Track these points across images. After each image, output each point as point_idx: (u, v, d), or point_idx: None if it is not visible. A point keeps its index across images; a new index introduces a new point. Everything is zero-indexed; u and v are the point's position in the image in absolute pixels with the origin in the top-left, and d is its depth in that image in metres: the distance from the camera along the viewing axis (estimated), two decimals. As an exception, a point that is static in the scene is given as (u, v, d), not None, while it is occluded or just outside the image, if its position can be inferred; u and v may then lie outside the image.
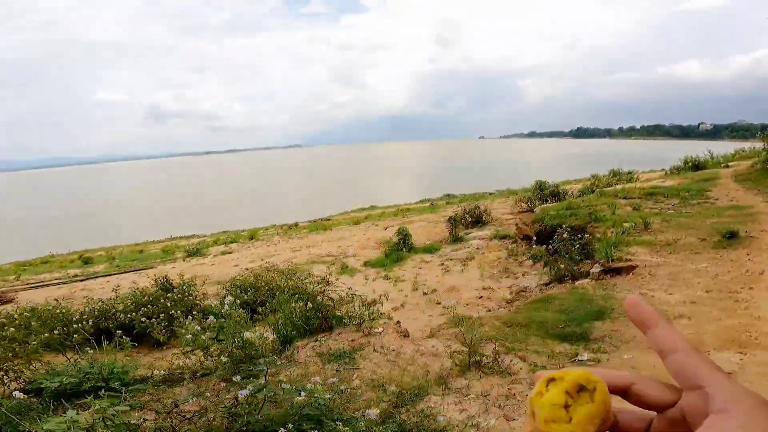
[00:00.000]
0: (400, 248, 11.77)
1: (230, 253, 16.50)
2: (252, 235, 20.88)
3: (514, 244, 10.58)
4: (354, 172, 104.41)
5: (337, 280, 9.31)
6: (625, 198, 11.29)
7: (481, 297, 7.44)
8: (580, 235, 7.95)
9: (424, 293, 8.24)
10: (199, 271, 12.68)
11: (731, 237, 5.59)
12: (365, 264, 11.22)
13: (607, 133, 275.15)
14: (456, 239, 12.52)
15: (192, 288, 7.75)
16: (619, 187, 14.98)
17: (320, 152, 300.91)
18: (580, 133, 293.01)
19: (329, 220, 30.42)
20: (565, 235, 8.02)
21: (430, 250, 11.73)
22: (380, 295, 4.96)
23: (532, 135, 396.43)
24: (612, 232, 7.18)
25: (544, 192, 16.27)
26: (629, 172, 27.93)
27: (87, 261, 18.61)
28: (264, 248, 16.41)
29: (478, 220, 14.70)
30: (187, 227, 40.65)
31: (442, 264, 10.11)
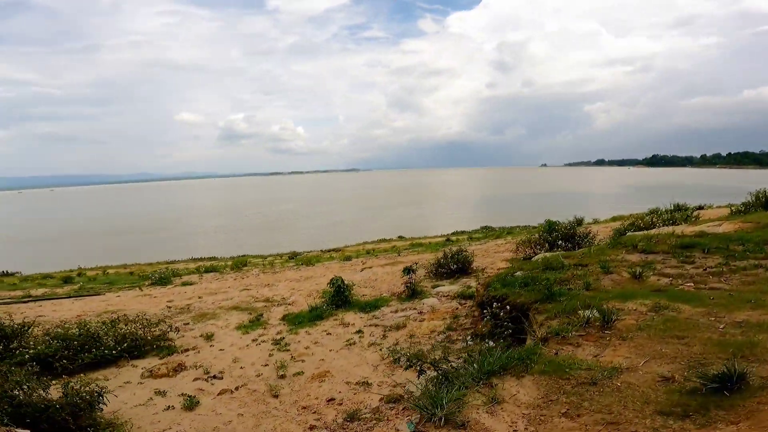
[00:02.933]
0: (334, 302, 9.38)
1: (190, 284, 15.01)
2: (237, 264, 19.42)
3: (472, 311, 7.82)
4: (400, 198, 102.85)
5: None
6: (644, 252, 8.14)
7: (332, 401, 4.94)
8: (512, 320, 5.19)
9: (281, 376, 5.88)
10: (117, 307, 11.17)
11: (731, 385, 2.60)
12: (284, 318, 9.00)
13: (688, 161, 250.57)
14: (413, 294, 9.90)
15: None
16: (653, 231, 11.53)
17: (374, 177, 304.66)
18: (655, 161, 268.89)
19: (340, 251, 28.64)
20: (489, 318, 5.32)
21: (371, 306, 9.24)
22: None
23: (600, 163, 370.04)
24: (552, 324, 4.37)
25: (553, 235, 13.10)
26: (694, 207, 23.15)
27: (67, 280, 18.11)
28: (218, 283, 14.72)
29: (461, 269, 11.95)
30: (222, 247, 41.15)
31: (358, 332, 7.61)
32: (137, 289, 14.59)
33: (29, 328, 6.89)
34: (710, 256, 7.30)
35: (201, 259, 30.70)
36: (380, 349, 6.54)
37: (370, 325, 7.97)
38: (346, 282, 11.20)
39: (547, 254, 11.49)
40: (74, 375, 6.11)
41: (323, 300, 9.71)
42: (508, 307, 5.68)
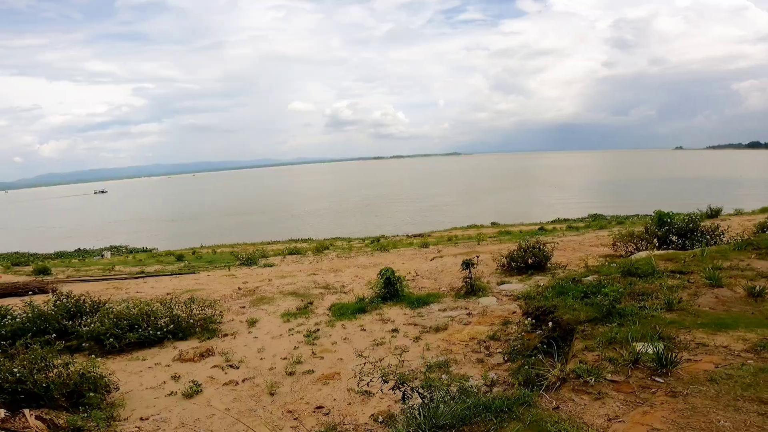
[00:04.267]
0: (382, 295, 8.82)
1: (270, 266, 15.84)
2: (318, 248, 20.07)
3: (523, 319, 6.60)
4: (501, 182, 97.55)
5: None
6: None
7: (321, 408, 4.41)
8: (553, 340, 4.01)
9: (290, 373, 5.57)
10: (200, 286, 12.16)
11: None
12: (331, 308, 8.74)
13: None
14: (471, 291, 8.85)
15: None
16: None
17: (476, 160, 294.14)
18: None
19: (425, 236, 27.98)
20: (529, 337, 4.18)
21: (421, 302, 8.47)
22: None
23: (754, 146, 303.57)
24: (587, 357, 3.13)
25: (663, 230, 10.66)
26: None
27: (180, 258, 20.63)
28: (294, 266, 15.22)
29: (537, 264, 10.45)
30: (318, 229, 43.85)
31: (394, 330, 6.95)
32: (226, 268, 15.84)
33: (104, 305, 7.61)
34: None
35: (296, 241, 32.83)
36: (402, 353, 5.81)
37: (410, 324, 7.25)
38: (401, 272, 10.59)
39: (644, 254, 9.39)
40: (121, 353, 6.62)
41: (374, 291, 9.21)
42: (551, 323, 4.47)
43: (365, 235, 33.69)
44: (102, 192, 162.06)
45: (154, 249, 34.22)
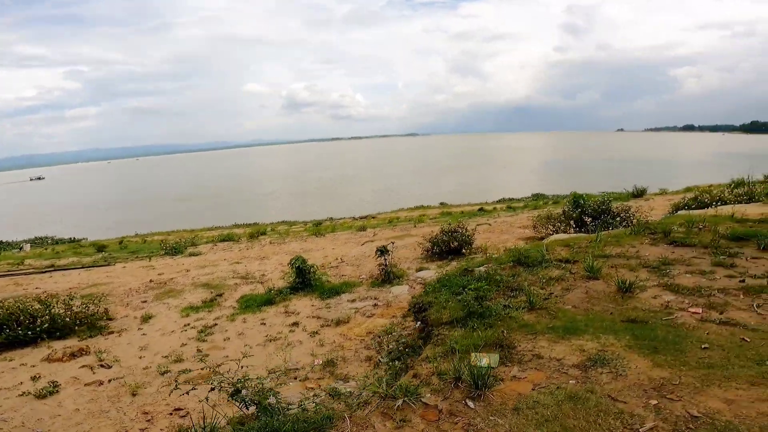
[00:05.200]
0: (295, 285, 8.49)
1: (195, 255, 15.03)
2: (253, 234, 19.31)
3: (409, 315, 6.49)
4: (454, 163, 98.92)
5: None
6: (675, 243, 6.21)
7: (179, 410, 4.16)
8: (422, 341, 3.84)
9: (163, 372, 5.21)
10: (110, 279, 11.28)
11: None
12: (240, 299, 8.31)
13: None
14: (387, 279, 8.69)
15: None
16: (708, 212, 9.11)
17: (433, 141, 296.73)
18: (755, 128, 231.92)
19: (372, 218, 27.83)
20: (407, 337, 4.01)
21: (334, 291, 8.23)
22: None
23: (688, 128, 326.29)
24: (422, 371, 2.93)
25: (578, 211, 10.97)
26: None
27: (101, 248, 19.18)
28: (221, 254, 14.53)
29: (457, 249, 10.44)
30: (268, 213, 42.48)
31: (294, 324, 6.69)
32: (147, 259, 14.87)
33: None
34: (764, 257, 5.24)
35: (239, 226, 31.67)
36: (292, 350, 5.56)
37: (313, 317, 6.98)
38: (329, 258, 10.30)
39: (558, 236, 9.62)
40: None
41: (287, 282, 8.86)
42: (419, 323, 4.32)
43: (314, 218, 33.08)
44: (39, 179, 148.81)
45: (84, 239, 31.87)
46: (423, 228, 16.97)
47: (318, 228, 19.77)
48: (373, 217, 27.98)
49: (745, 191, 11.76)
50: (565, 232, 10.98)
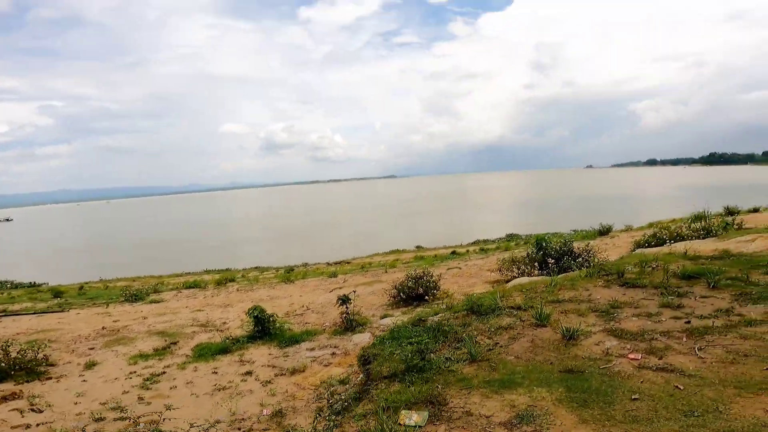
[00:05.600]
0: (253, 334, 8.21)
1: (156, 302, 14.43)
2: (221, 280, 18.76)
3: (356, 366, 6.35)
4: (433, 205, 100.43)
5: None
6: (627, 285, 6.38)
7: None
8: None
9: (98, 419, 4.84)
10: (60, 326, 10.65)
11: None
12: (195, 348, 7.93)
13: (750, 159, 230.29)
14: (349, 327, 8.52)
15: None
16: (663, 250, 9.46)
17: (411, 183, 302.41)
18: (713, 160, 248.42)
19: (347, 263, 27.63)
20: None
21: (294, 340, 7.98)
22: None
23: (651, 163, 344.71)
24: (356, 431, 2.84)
25: (540, 254, 11.20)
26: (748, 210, 19.88)
27: (57, 294, 18.23)
28: (184, 302, 14.02)
29: (421, 295, 10.36)
30: (241, 258, 41.48)
31: (248, 373, 6.46)
32: (105, 305, 14.19)
33: None
34: (713, 295, 5.41)
35: (210, 272, 30.80)
36: (239, 400, 5.30)
37: (269, 366, 6.73)
38: (295, 306, 10.06)
39: (520, 280, 9.77)
40: None
41: (246, 330, 8.56)
42: (362, 375, 4.23)
43: (289, 263, 32.55)
44: (7, 220, 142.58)
45: (44, 284, 30.26)
46: (394, 273, 16.90)
47: (288, 275, 19.40)
48: (348, 263, 27.78)
49: (702, 226, 12.16)
50: (529, 274, 11.15)
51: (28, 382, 6.40)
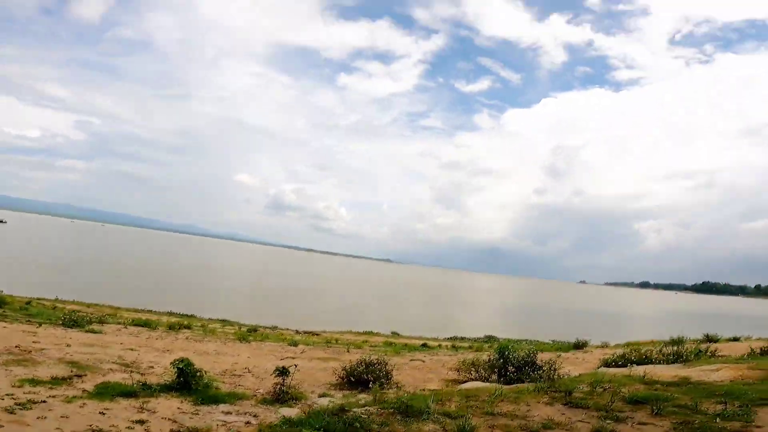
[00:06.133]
0: (173, 385, 7.38)
1: (94, 332, 13.42)
2: (175, 325, 17.66)
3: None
4: (422, 295, 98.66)
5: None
6: (571, 404, 5.86)
7: None
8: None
9: None
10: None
11: None
12: (101, 386, 7.06)
13: (741, 291, 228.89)
14: (279, 399, 7.70)
15: None
16: (622, 372, 8.79)
17: (407, 270, 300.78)
18: (705, 288, 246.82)
19: (316, 334, 26.27)
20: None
21: (213, 399, 7.13)
22: None
23: (644, 285, 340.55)
24: None
25: (500, 362, 10.51)
26: (726, 339, 19.17)
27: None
28: (121, 337, 13.03)
29: (366, 381, 9.50)
30: (214, 308, 39.68)
31: (139, 422, 5.64)
32: (37, 325, 13.20)
33: None
34: (653, 423, 4.98)
35: (176, 314, 29.26)
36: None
37: (169, 419, 5.92)
38: (238, 366, 9.23)
39: (470, 384, 9.07)
40: None
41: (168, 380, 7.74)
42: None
43: (264, 322, 31.11)
44: (1, 222, 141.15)
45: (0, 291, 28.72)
46: (356, 354, 15.85)
47: (247, 334, 18.29)
48: (317, 335, 26.39)
49: (674, 351, 11.82)
50: (487, 379, 10.39)
51: None
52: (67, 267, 56.82)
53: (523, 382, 9.17)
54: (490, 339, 36.86)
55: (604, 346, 20.95)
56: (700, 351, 12.10)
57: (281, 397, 7.77)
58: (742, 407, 5.40)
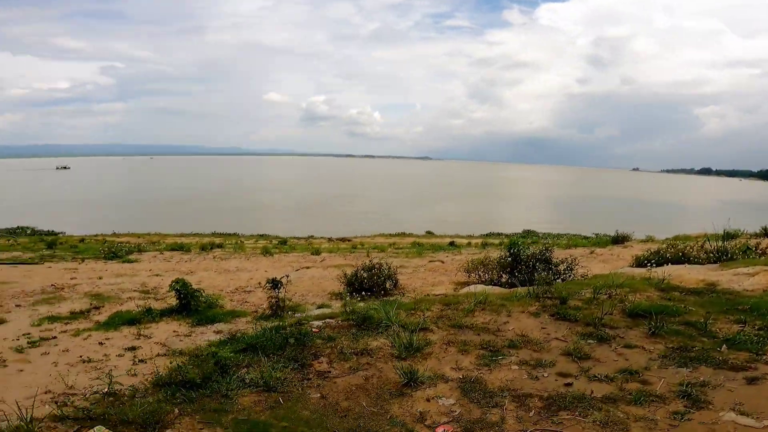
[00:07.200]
0: (174, 308, 7.83)
1: (129, 262, 14.49)
2: (206, 245, 18.70)
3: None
4: (461, 190, 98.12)
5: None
6: (558, 315, 5.46)
7: None
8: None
9: None
10: (18, 279, 10.77)
11: None
12: (113, 314, 7.64)
13: None
14: (275, 313, 7.97)
15: None
16: (625, 275, 8.20)
17: (446, 166, 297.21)
18: None
19: (349, 241, 27.19)
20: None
21: (211, 319, 7.48)
22: None
23: (705, 172, 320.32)
24: None
25: (509, 260, 10.14)
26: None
27: (51, 244, 18.78)
28: (155, 263, 13.98)
29: (374, 287, 9.62)
30: (255, 224, 41.81)
31: (131, 348, 6.03)
32: (79, 261, 14.39)
33: None
34: (642, 346, 4.38)
35: (220, 235, 31.19)
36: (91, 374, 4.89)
37: (161, 344, 6.23)
38: (253, 281, 9.64)
39: (471, 289, 8.86)
40: None
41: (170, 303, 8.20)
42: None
43: (304, 233, 32.65)
44: (64, 168, 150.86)
45: (61, 233, 31.64)
46: (375, 259, 16.25)
47: (271, 247, 19.08)
48: (348, 240, 27.32)
49: (717, 247, 10.44)
50: (496, 281, 10.17)
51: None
52: (124, 202, 61.08)
53: (532, 283, 8.83)
54: (528, 234, 36.44)
55: (648, 240, 19.56)
56: (748, 248, 10.40)
57: (276, 311, 8.03)
58: (763, 329, 4.64)
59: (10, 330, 6.79)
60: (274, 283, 8.15)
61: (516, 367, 3.92)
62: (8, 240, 23.05)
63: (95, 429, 2.52)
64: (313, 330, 4.72)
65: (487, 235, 35.55)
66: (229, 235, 32.23)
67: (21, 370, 5.13)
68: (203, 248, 18.02)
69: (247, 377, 3.35)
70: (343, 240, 27.59)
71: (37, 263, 13.69)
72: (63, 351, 5.90)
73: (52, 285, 10.30)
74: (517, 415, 3.15)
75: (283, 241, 23.41)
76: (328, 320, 5.21)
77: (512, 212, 58.61)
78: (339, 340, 4.39)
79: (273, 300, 8.16)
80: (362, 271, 9.92)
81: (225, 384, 3.24)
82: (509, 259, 10.03)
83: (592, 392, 3.42)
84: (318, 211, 54.63)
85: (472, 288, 8.82)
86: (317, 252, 17.50)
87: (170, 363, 4.35)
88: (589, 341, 4.53)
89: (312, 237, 30.91)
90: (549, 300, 6.22)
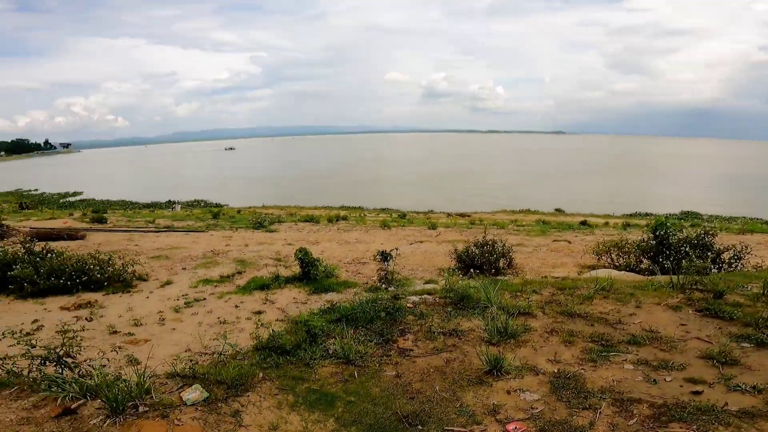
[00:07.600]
0: (298, 276, 8.69)
1: (270, 231, 16.55)
2: (332, 218, 20.28)
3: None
4: (606, 166, 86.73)
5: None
6: (704, 311, 4.58)
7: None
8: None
9: (113, 333, 5.74)
10: (183, 245, 13.18)
11: None
12: (250, 281, 8.87)
13: None
14: (384, 285, 8.27)
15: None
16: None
17: (583, 141, 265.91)
18: None
19: (469, 216, 26.65)
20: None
21: (326, 288, 8.14)
22: None
23: None
24: None
25: (651, 244, 8.62)
26: None
27: (216, 215, 22.52)
28: (290, 233, 15.68)
29: (485, 265, 9.28)
30: (385, 197, 44.02)
31: (258, 312, 6.92)
32: (233, 230, 16.93)
33: (48, 254, 8.56)
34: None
35: (348, 208, 33.58)
36: (226, 335, 5.77)
37: (280, 310, 7.07)
38: (370, 252, 10.22)
39: (599, 273, 7.79)
40: (36, 297, 7.57)
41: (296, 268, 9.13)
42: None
43: (415, 209, 33.24)
44: (231, 149, 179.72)
45: (226, 205, 37.78)
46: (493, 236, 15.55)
47: (390, 220, 19.71)
48: (467, 215, 26.74)
49: None
50: (634, 267, 8.79)
51: (113, 293, 7.97)
52: (274, 178, 69.86)
53: (679, 271, 7.40)
54: (687, 216, 30.91)
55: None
56: None
57: (384, 284, 8.29)
58: None
59: (174, 290, 8.31)
60: (384, 256, 8.42)
61: (630, 366, 3.32)
62: (186, 211, 28.52)
63: (193, 386, 2.98)
64: (408, 305, 4.73)
65: (631, 215, 31.12)
66: (355, 208, 34.32)
67: (174, 329, 6.24)
68: (330, 220, 19.61)
69: (331, 348, 3.54)
70: (462, 215, 27.10)
71: (203, 231, 16.58)
72: (207, 312, 6.99)
73: (211, 251, 12.35)
74: (612, 422, 2.68)
75: (403, 215, 24.04)
76: (426, 296, 5.17)
77: (668, 190, 49.80)
78: (431, 317, 4.31)
79: (381, 272, 8.47)
80: (474, 248, 9.61)
81: (310, 353, 3.47)
82: (653, 242, 8.56)
83: (726, 404, 2.71)
84: (439, 186, 54.48)
85: (599, 272, 7.81)
86: (434, 226, 17.53)
87: (279, 328, 4.84)
88: (743, 345, 3.61)
89: (431, 211, 31.13)
90: (698, 292, 5.13)
